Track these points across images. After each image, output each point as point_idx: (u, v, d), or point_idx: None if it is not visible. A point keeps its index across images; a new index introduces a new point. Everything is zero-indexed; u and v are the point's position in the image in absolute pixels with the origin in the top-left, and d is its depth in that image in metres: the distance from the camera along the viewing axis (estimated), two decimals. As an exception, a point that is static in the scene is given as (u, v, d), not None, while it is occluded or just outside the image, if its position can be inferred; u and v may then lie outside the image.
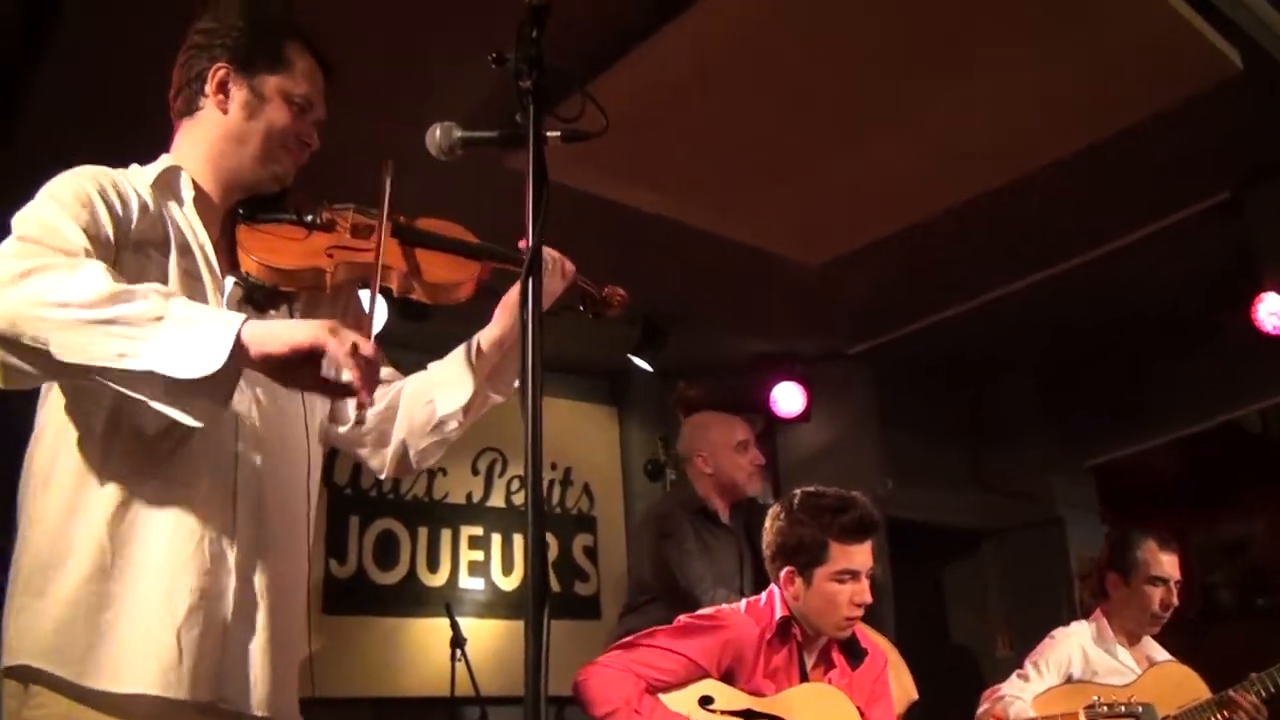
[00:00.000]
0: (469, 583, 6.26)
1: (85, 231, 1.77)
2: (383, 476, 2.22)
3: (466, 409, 2.14)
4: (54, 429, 1.84)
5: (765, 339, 6.63)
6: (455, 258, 2.12)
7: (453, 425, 2.14)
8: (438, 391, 2.13)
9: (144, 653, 1.73)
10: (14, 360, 1.64)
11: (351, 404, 1.87)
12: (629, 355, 6.05)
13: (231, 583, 1.84)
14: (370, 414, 2.13)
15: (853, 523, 2.96)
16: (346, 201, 2.09)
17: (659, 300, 5.67)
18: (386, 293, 2.03)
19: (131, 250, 1.86)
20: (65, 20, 3.57)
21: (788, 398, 6.69)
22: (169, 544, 1.79)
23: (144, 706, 1.73)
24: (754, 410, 6.47)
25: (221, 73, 2.01)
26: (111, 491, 1.78)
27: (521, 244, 2.04)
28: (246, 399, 1.92)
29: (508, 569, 6.42)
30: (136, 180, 1.96)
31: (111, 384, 1.64)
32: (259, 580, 1.88)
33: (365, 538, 6.00)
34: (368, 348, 1.67)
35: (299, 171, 2.11)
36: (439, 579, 6.19)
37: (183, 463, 1.83)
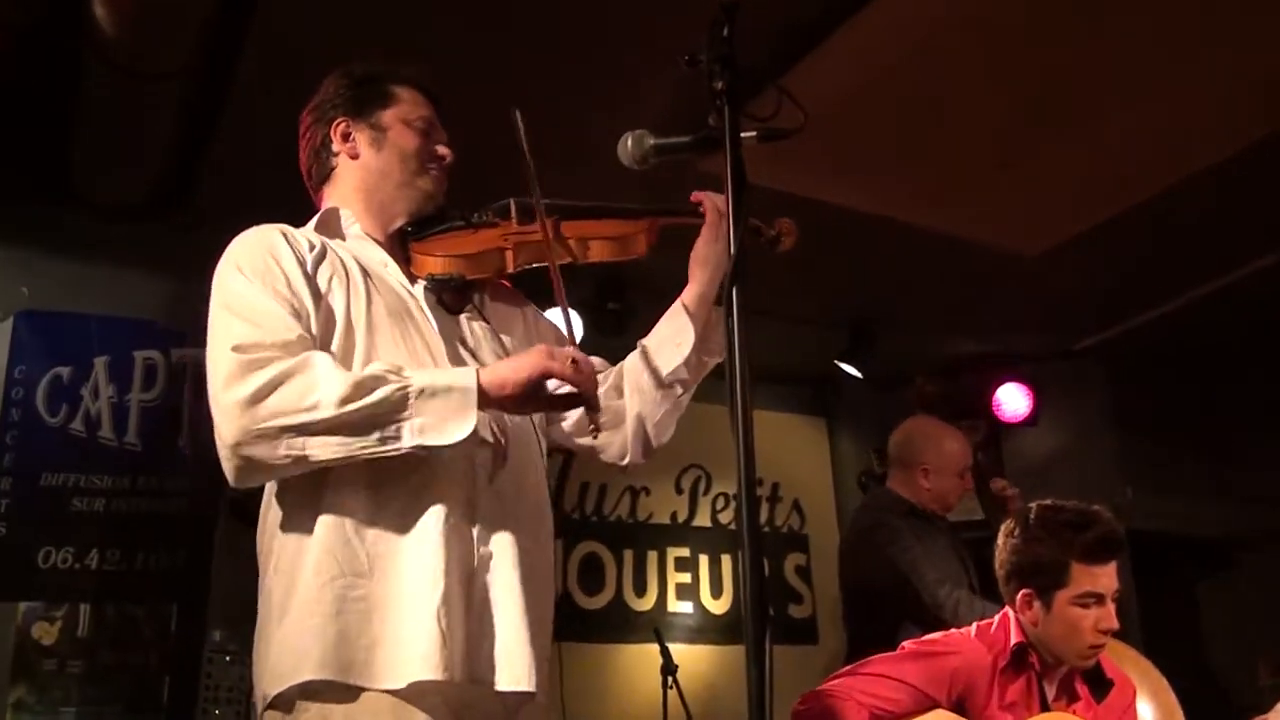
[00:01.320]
0: (678, 606, 6.32)
1: (288, 305, 1.94)
2: (624, 463, 2.29)
3: (690, 364, 2.23)
4: None
5: (983, 338, 6.48)
6: (619, 219, 2.26)
7: (679, 389, 2.24)
8: (657, 357, 2.23)
9: (411, 644, 1.86)
10: (262, 472, 1.86)
11: (575, 421, 2.15)
12: (837, 361, 6.01)
13: (480, 565, 1.97)
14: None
15: (1096, 541, 2.82)
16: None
17: (866, 301, 5.62)
18: (571, 270, 2.14)
19: (317, 289, 2.03)
20: (244, 71, 3.78)
21: (1012, 400, 6.52)
22: (418, 538, 1.92)
23: (417, 693, 1.85)
24: (975, 416, 6.32)
25: (342, 125, 2.24)
26: (357, 502, 1.93)
27: (695, 196, 2.22)
28: None
29: (716, 591, 6.45)
30: (302, 232, 2.15)
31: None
32: (508, 562, 2.00)
33: (569, 562, 6.13)
34: (584, 360, 1.90)
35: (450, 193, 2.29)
36: (646, 603, 6.26)
37: (423, 459, 1.95)
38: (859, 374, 5.99)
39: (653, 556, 6.36)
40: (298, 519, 1.94)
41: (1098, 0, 3.61)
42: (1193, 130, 4.32)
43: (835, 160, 4.35)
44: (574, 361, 1.88)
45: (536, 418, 2.18)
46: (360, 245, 2.16)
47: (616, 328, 5.16)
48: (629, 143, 1.96)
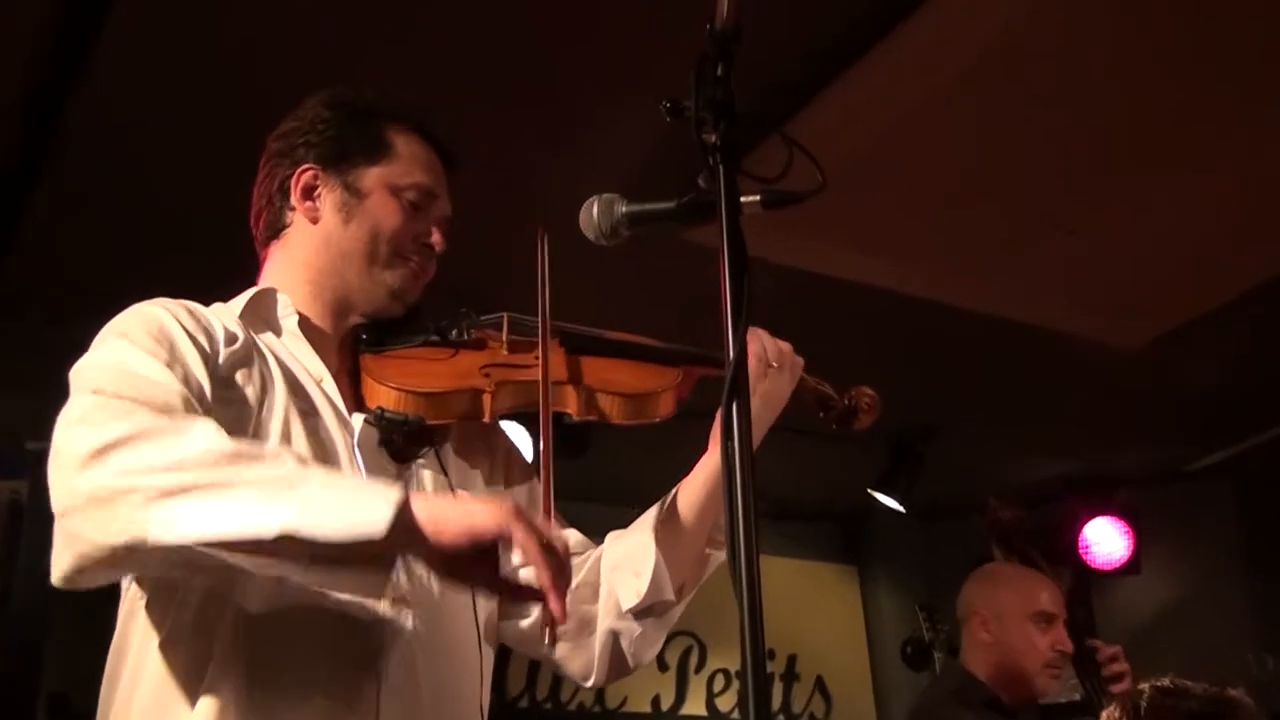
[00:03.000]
0: (663, 827, 6.30)
1: (177, 373, 1.88)
2: (589, 684, 2.29)
3: (688, 580, 2.23)
4: (137, 626, 1.94)
5: (1065, 457, 6.54)
6: (643, 364, 2.25)
7: (671, 601, 2.21)
8: (645, 560, 2.19)
9: None
10: (92, 564, 1.72)
11: (529, 616, 2.10)
12: (871, 491, 6.03)
13: None
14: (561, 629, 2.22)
15: (1234, 738, 2.83)
16: (496, 313, 2.24)
17: (909, 411, 5.66)
18: (563, 419, 2.14)
19: (224, 394, 1.98)
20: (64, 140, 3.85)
21: (1105, 539, 6.55)
22: None
23: None
24: (1057, 561, 6.36)
25: (307, 175, 2.19)
26: (212, 702, 1.86)
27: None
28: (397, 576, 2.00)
29: (715, 805, 6.43)
30: (220, 314, 2.10)
31: (226, 560, 1.71)
32: None
33: (516, 768, 6.10)
34: (561, 545, 1.75)
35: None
36: (620, 823, 6.23)
37: (305, 657, 1.91)
38: (900, 507, 6.02)
39: (628, 758, 6.33)
40: (149, 696, 1.89)
41: (1186, 15, 3.69)
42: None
43: (858, 226, 4.42)
44: (546, 543, 1.73)
45: (481, 614, 2.14)
46: (295, 347, 2.13)
47: (577, 446, 5.13)
48: (595, 210, 1.96)
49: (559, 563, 1.74)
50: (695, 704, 6.54)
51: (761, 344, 2.23)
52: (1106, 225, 4.60)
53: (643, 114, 1.81)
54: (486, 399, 2.12)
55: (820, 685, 6.86)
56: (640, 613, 2.20)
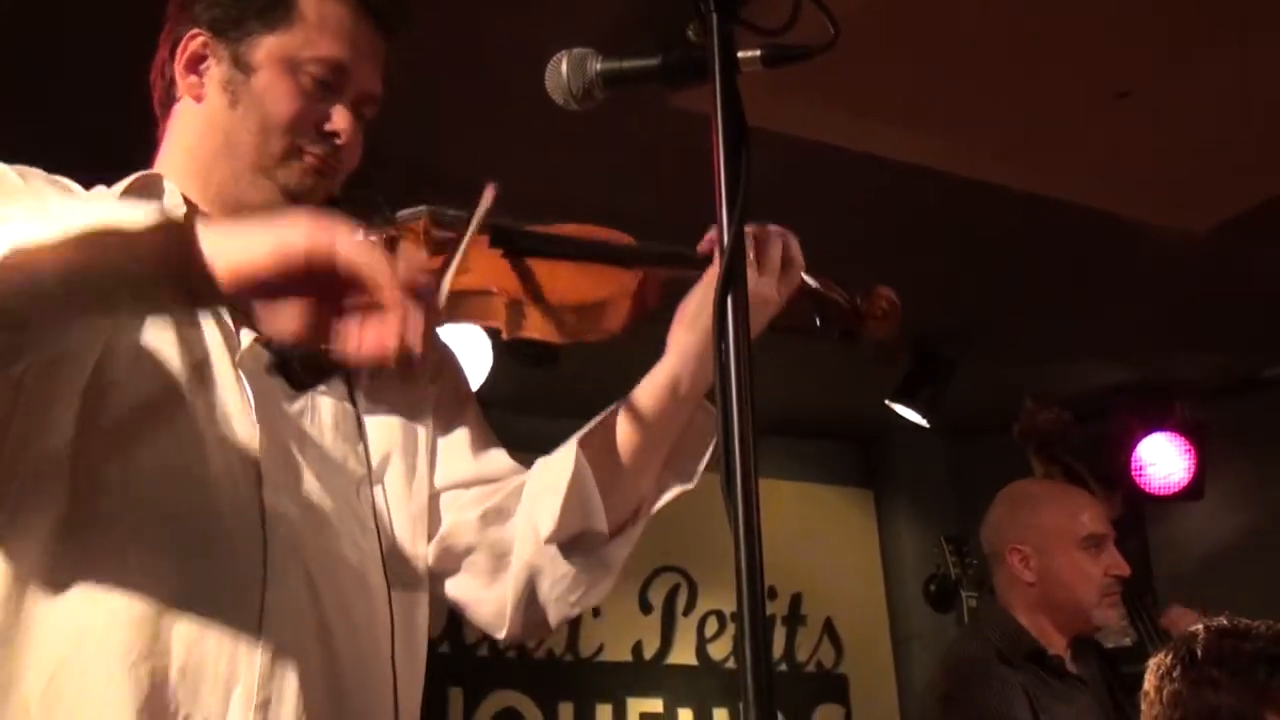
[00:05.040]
0: (644, 790, 6.35)
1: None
2: (501, 637, 2.22)
3: (633, 515, 2.16)
4: None
5: (1116, 362, 6.56)
6: (593, 266, 2.16)
7: (601, 533, 2.13)
8: (563, 474, 2.10)
9: None
10: None
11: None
12: (889, 402, 6.04)
13: None
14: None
15: (1304, 684, 2.86)
16: (416, 206, 2.13)
17: (936, 309, 5.66)
18: (493, 334, 2.07)
19: None
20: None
21: (1162, 459, 6.58)
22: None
23: None
24: (1105, 483, 6.38)
25: (195, 43, 2.09)
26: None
27: (709, 239, 2.11)
28: (287, 501, 1.96)
29: (706, 766, 6.48)
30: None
31: None
32: None
33: (475, 721, 6.15)
34: (419, 272, 1.56)
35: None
36: (594, 786, 6.30)
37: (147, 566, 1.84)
38: (923, 421, 6.03)
39: (605, 712, 6.38)
40: None
41: None
42: None
43: (876, 90, 4.41)
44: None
45: (395, 569, 2.06)
46: None
47: (541, 354, 5.12)
48: (564, 68, 1.92)
49: (414, 295, 1.51)
50: (684, 651, 6.58)
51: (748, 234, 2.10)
52: (1167, 89, 4.58)
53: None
54: None
55: (829, 629, 6.92)
56: (566, 545, 2.11)
